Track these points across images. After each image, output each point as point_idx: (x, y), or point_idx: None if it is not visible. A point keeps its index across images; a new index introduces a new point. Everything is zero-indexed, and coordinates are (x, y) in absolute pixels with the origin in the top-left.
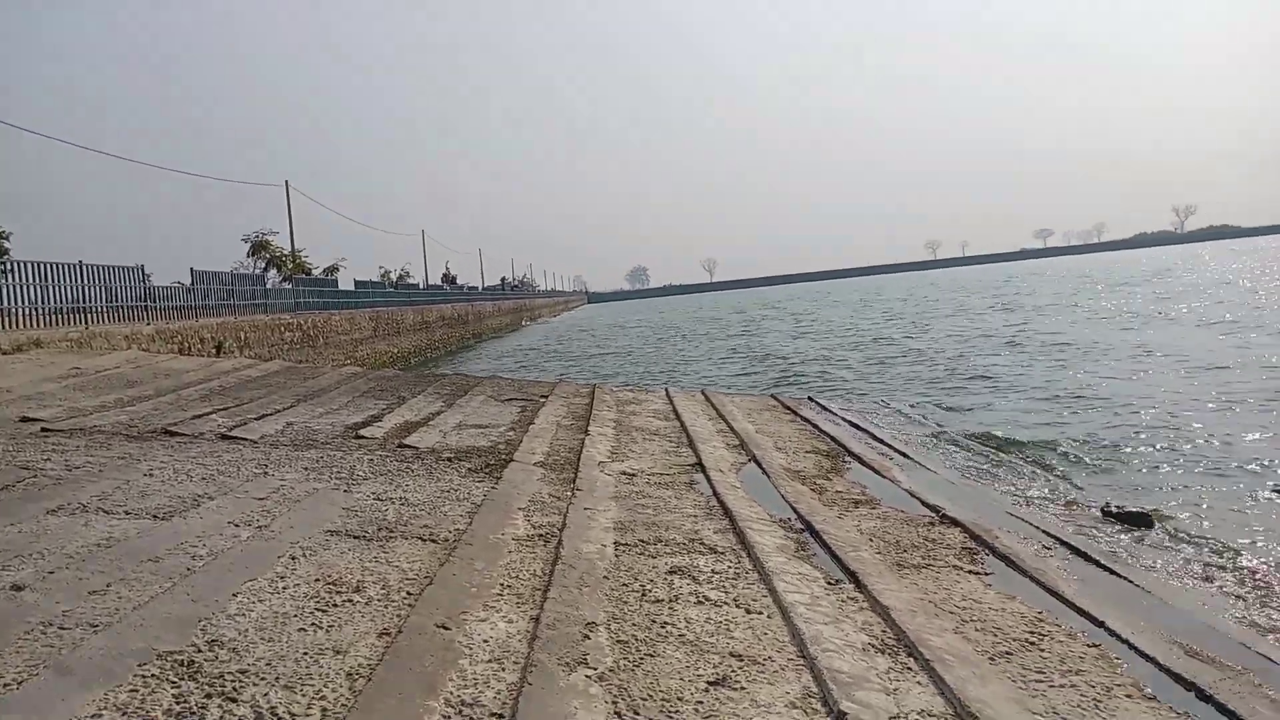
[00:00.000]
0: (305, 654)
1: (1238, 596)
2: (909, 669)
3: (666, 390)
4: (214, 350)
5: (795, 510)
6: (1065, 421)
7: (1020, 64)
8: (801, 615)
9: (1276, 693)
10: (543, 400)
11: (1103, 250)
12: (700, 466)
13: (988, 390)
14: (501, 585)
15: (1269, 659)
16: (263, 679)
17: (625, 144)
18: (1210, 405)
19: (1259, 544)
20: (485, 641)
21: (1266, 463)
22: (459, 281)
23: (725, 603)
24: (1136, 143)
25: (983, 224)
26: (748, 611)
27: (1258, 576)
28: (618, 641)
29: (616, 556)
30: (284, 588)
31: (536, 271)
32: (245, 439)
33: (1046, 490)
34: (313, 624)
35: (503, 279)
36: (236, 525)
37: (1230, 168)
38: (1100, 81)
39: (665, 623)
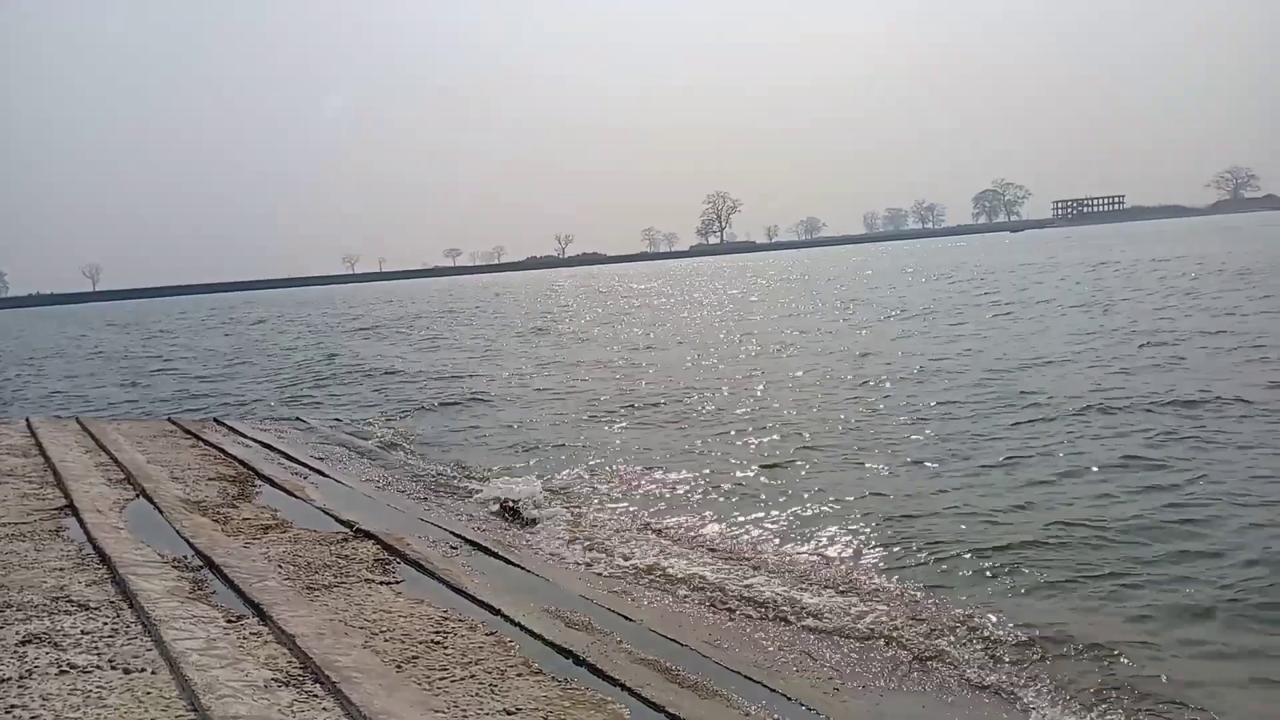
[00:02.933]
0: None
1: (607, 568)
2: (315, 696)
3: (28, 420)
4: None
5: (193, 546)
6: (457, 421)
7: None
8: (194, 663)
9: (630, 644)
10: None
11: (498, 271)
12: (71, 509)
13: (396, 399)
14: None
15: (624, 616)
16: None
17: None
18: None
19: (625, 522)
20: None
21: (621, 446)
22: None
23: (97, 667)
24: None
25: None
26: (126, 672)
27: (623, 550)
28: None
29: None
30: None
31: None
32: None
33: (448, 491)
34: None
35: None
36: None
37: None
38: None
39: (13, 707)
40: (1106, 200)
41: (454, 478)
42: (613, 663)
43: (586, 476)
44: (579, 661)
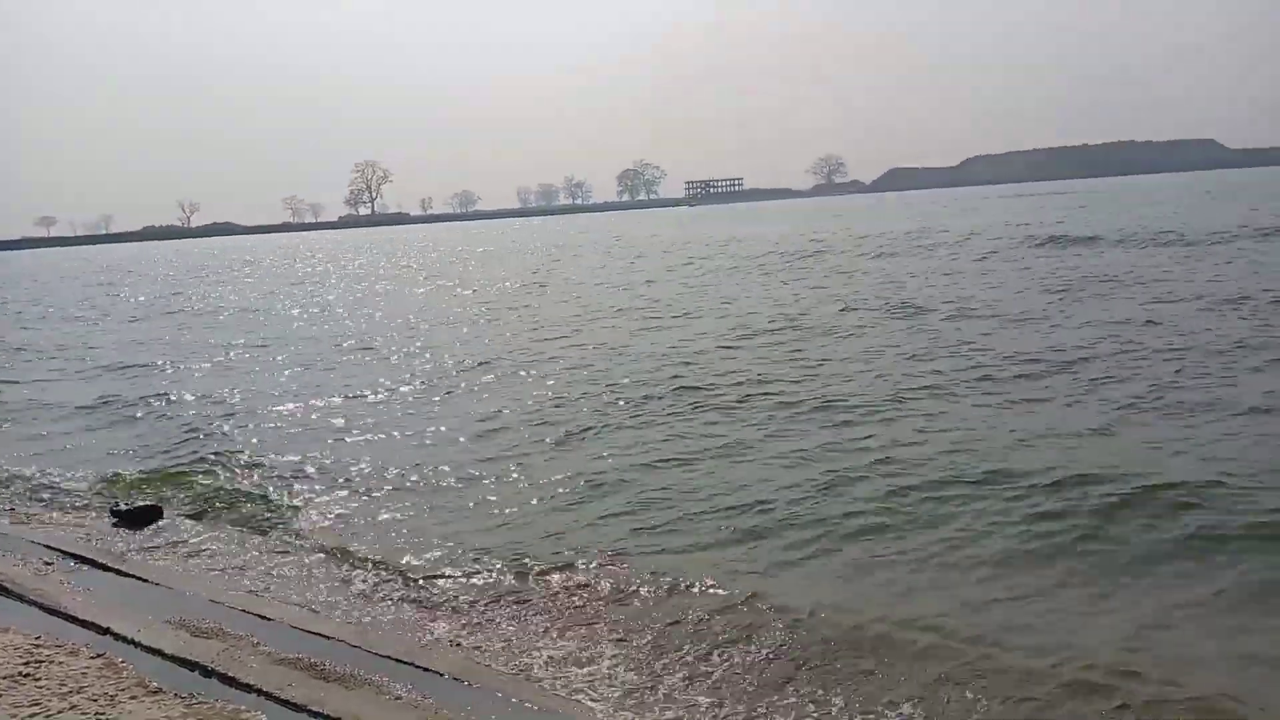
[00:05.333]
0: None
1: (240, 568)
2: None
3: None
4: None
5: None
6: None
7: None
8: None
9: (270, 646)
10: None
11: (107, 242)
12: None
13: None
14: None
15: (262, 617)
16: None
17: None
18: None
19: (261, 516)
20: None
21: (245, 439)
22: None
23: None
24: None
25: None
26: None
27: (260, 546)
28: None
29: None
30: None
31: None
32: None
33: (44, 500)
34: None
35: None
36: None
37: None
38: None
39: None
40: (728, 182)
41: (55, 482)
42: (248, 668)
43: (220, 472)
44: (208, 673)
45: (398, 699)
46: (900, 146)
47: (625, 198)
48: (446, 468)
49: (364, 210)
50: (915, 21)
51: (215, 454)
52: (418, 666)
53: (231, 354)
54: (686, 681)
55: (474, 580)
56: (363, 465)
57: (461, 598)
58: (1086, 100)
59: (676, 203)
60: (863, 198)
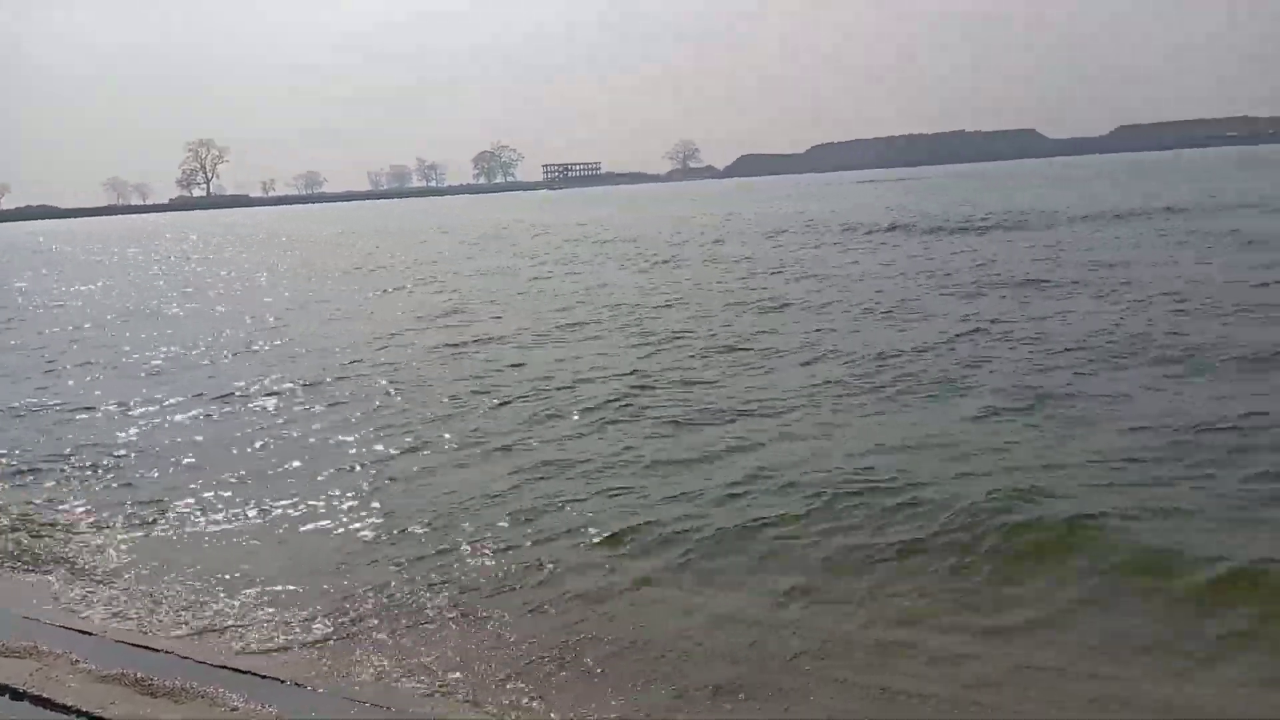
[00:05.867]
0: None
1: (66, 584)
2: None
3: None
4: None
5: None
6: None
7: None
8: None
9: (93, 662)
10: None
11: None
12: None
13: None
14: None
15: (83, 632)
16: None
17: None
18: None
19: (79, 518)
20: None
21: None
22: None
23: None
24: None
25: None
26: None
27: (83, 554)
28: None
29: None
30: None
31: None
32: None
33: None
34: None
35: None
36: None
37: None
38: None
39: None
40: (586, 166)
41: None
42: (65, 688)
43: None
44: (18, 696)
45: (234, 710)
46: (751, 134)
47: (482, 180)
48: (280, 474)
49: (199, 192)
50: (766, 16)
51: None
52: (256, 674)
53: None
54: (527, 684)
55: (314, 586)
56: (189, 474)
57: (301, 602)
58: (921, 92)
59: (535, 186)
60: (717, 183)
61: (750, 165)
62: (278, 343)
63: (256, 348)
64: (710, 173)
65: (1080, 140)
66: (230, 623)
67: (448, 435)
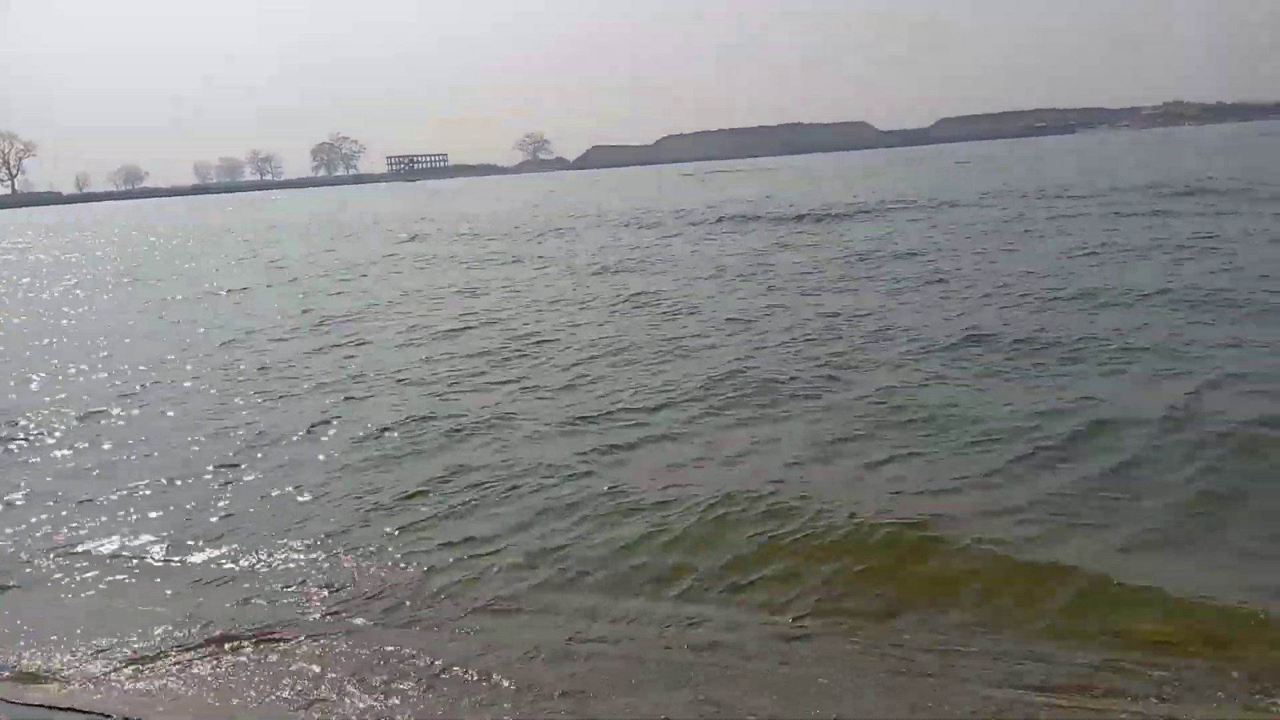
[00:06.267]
0: None
1: None
2: None
3: None
4: None
5: None
6: None
7: None
8: None
9: None
10: None
11: None
12: None
13: None
14: None
15: None
16: None
17: None
18: None
19: None
20: None
21: None
22: None
23: None
24: None
25: None
26: None
27: None
28: None
29: None
30: None
31: None
32: None
33: None
34: None
35: None
36: None
37: None
38: None
39: None
40: (433, 158)
41: None
42: None
43: None
44: None
45: None
46: (599, 125)
47: (322, 173)
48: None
49: (2, 190)
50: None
51: None
52: (79, 710)
53: None
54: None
55: (151, 609)
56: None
57: (138, 631)
58: (763, 87)
59: (378, 179)
60: (573, 174)
61: (601, 156)
62: None
63: None
64: (560, 164)
65: (907, 132)
66: (60, 657)
67: (300, 448)
